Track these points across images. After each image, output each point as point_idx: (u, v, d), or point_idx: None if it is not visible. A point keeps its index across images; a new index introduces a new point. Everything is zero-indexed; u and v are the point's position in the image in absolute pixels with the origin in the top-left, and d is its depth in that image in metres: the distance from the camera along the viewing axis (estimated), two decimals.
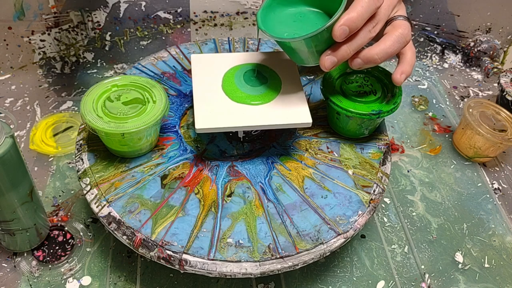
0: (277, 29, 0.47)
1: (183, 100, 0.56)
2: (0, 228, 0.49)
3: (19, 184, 0.46)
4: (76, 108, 0.69)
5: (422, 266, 0.54)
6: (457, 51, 0.83)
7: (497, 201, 0.62)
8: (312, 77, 0.61)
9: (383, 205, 0.60)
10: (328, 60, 0.45)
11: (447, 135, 0.70)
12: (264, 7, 0.47)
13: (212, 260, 0.43)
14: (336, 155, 0.52)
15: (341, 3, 0.43)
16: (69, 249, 0.53)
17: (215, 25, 0.75)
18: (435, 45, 0.82)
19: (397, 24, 0.46)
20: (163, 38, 0.75)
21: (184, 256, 0.43)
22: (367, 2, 0.42)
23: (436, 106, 0.75)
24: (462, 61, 0.83)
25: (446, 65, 0.82)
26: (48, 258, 0.52)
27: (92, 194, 0.47)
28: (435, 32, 0.81)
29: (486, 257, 0.56)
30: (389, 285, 0.53)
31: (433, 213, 0.60)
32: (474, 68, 0.82)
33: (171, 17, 0.73)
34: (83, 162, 0.49)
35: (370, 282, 0.53)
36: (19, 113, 0.67)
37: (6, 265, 0.51)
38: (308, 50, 0.45)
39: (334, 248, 0.45)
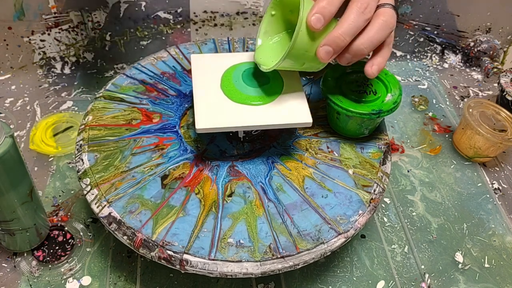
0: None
1: (183, 100, 0.56)
2: (0, 228, 0.49)
3: (19, 184, 0.46)
4: (76, 108, 0.69)
5: (422, 266, 0.55)
6: (457, 51, 0.83)
7: (497, 201, 0.62)
8: (312, 76, 0.61)
9: (383, 205, 0.60)
10: (322, 51, 0.44)
11: (447, 135, 0.70)
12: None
13: (213, 260, 0.43)
14: (336, 154, 0.52)
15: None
16: (69, 249, 0.53)
17: (215, 25, 0.75)
18: (435, 45, 0.82)
19: (380, 12, 0.45)
20: (163, 38, 0.75)
21: (185, 256, 0.43)
22: None
23: (436, 106, 0.75)
24: (462, 61, 0.83)
25: (446, 65, 0.82)
26: (48, 258, 0.52)
27: (93, 194, 0.47)
28: (435, 32, 0.81)
29: (486, 257, 0.56)
30: (389, 285, 0.53)
31: (433, 213, 0.60)
32: (474, 68, 0.83)
33: (171, 17, 0.73)
34: (83, 163, 0.49)
35: (370, 282, 0.53)
36: (19, 113, 0.67)
37: (6, 265, 0.51)
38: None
39: (334, 247, 0.45)
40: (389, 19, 0.44)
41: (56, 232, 0.54)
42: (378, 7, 0.45)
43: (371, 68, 0.46)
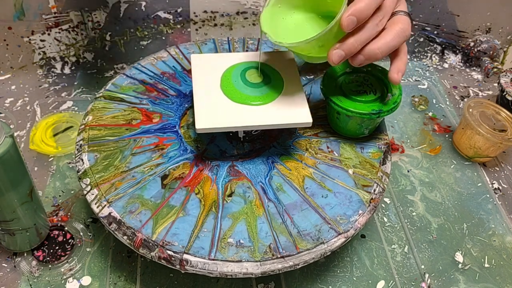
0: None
1: (183, 100, 0.56)
2: (0, 228, 0.49)
3: (19, 184, 0.46)
4: (76, 108, 0.68)
5: (422, 266, 0.55)
6: (457, 51, 0.83)
7: (497, 201, 0.62)
8: (312, 76, 0.61)
9: (383, 205, 0.60)
10: (335, 54, 0.44)
11: (447, 135, 0.70)
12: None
13: (213, 260, 0.43)
14: (336, 154, 0.52)
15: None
16: (69, 249, 0.53)
17: (215, 25, 0.75)
18: (435, 45, 0.82)
19: (397, 19, 0.46)
20: (163, 38, 0.75)
21: (185, 256, 0.43)
22: None
23: (436, 106, 0.75)
24: (462, 61, 0.83)
25: (446, 65, 0.82)
26: (48, 258, 0.52)
27: (93, 194, 0.47)
28: (435, 32, 0.81)
29: (486, 257, 0.56)
30: (389, 285, 0.53)
31: (433, 213, 0.60)
32: (474, 68, 0.83)
33: (171, 17, 0.73)
34: (83, 163, 0.49)
35: (370, 282, 0.53)
36: (19, 113, 0.67)
37: (6, 265, 0.51)
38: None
39: (334, 247, 0.45)
40: (406, 27, 0.45)
41: (56, 232, 0.54)
42: (393, 13, 0.46)
43: (398, 75, 0.47)
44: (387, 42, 0.45)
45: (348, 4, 0.43)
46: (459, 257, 0.56)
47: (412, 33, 0.81)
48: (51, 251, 0.53)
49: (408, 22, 0.46)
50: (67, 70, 0.74)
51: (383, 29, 0.46)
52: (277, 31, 0.48)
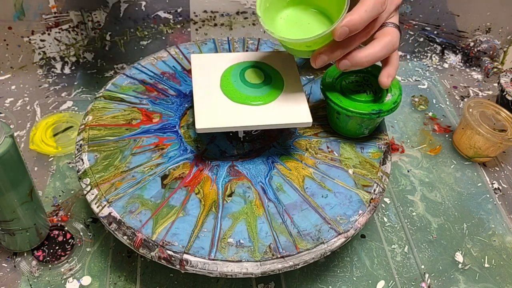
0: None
1: (183, 100, 0.56)
2: (0, 228, 0.49)
3: (19, 184, 0.46)
4: (76, 108, 0.69)
5: (422, 266, 0.55)
6: (457, 51, 0.83)
7: (497, 201, 0.62)
8: (312, 76, 0.61)
9: (383, 205, 0.60)
10: (319, 59, 0.46)
11: (447, 135, 0.70)
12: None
13: (213, 260, 0.43)
14: (336, 154, 0.52)
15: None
16: (69, 249, 0.53)
17: (215, 25, 0.75)
18: (435, 45, 0.82)
19: (387, 31, 0.47)
20: (163, 38, 0.75)
21: (185, 256, 0.43)
22: (371, 7, 0.43)
23: (436, 106, 0.75)
24: (462, 61, 0.83)
25: (446, 65, 0.82)
26: (48, 258, 0.52)
27: (93, 194, 0.47)
28: (435, 32, 0.81)
29: (486, 257, 0.56)
30: (389, 285, 0.53)
31: (433, 213, 0.60)
32: (474, 68, 0.83)
33: (171, 17, 0.73)
34: (83, 163, 0.49)
35: (370, 282, 0.53)
36: (19, 113, 0.67)
37: (6, 265, 0.51)
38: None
39: (334, 247, 0.45)
40: (394, 39, 0.46)
41: (56, 232, 0.54)
42: (384, 24, 0.47)
43: (387, 79, 0.48)
44: (375, 53, 0.45)
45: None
46: (459, 257, 0.56)
47: (412, 33, 0.81)
48: (51, 251, 0.53)
49: (397, 35, 0.47)
50: (67, 70, 0.74)
51: (372, 39, 0.46)
52: (271, 18, 0.48)
